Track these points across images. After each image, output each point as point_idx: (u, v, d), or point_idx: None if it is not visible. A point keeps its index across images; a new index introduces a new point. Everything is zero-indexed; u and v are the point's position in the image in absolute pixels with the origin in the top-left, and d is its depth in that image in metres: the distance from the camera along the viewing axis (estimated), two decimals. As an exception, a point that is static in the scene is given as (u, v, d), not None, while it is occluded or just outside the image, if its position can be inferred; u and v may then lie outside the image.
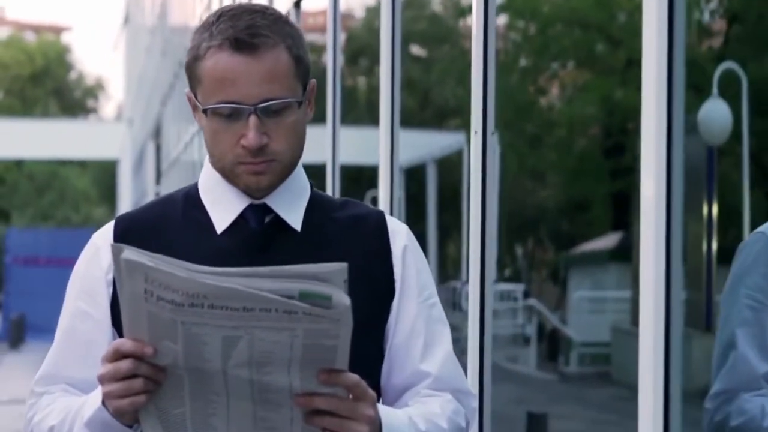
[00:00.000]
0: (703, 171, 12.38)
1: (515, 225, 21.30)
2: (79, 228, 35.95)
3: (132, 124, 35.71)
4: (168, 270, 1.72)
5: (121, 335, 1.90)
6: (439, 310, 2.12)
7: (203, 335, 1.75)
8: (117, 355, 1.82)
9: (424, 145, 20.52)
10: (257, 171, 2.01)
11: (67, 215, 46.28)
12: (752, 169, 13.20)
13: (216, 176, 2.08)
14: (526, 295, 18.11)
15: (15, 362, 21.15)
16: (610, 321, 15.74)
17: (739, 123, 12.43)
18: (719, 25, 15.92)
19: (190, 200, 2.10)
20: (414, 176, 20.08)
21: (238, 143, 1.99)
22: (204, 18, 2.06)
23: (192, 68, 2.02)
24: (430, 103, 23.91)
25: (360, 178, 16.40)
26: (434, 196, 20.24)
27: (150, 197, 24.00)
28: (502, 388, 12.40)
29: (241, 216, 2.06)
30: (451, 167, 19.91)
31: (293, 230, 2.07)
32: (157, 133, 25.63)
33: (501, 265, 19.90)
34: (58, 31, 67.83)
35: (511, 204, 19.96)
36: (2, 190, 46.35)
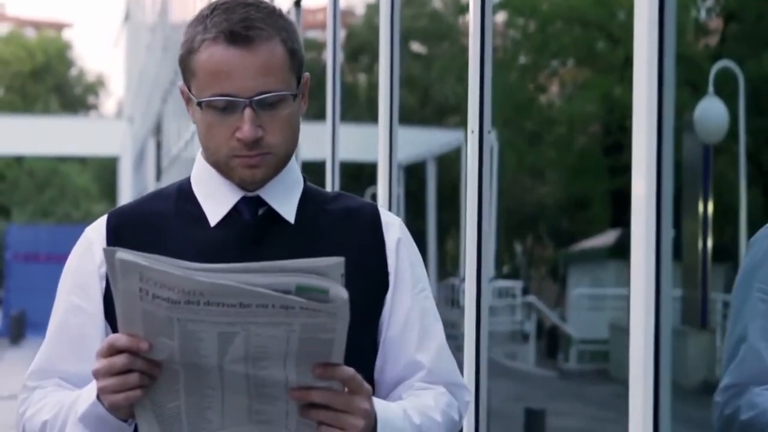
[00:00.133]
0: (700, 169, 12.40)
1: (514, 222, 21.31)
2: (80, 225, 35.75)
3: (132, 121, 35.67)
4: (163, 269, 1.71)
5: (114, 329, 1.90)
6: (431, 303, 2.12)
7: (199, 332, 1.74)
8: (112, 350, 1.80)
9: (424, 142, 20.51)
10: (252, 164, 2.00)
11: (68, 212, 46.19)
12: (748, 168, 13.20)
13: (209, 169, 2.07)
14: (525, 292, 18.11)
15: (15, 358, 21.14)
16: (609, 318, 15.70)
17: (735, 121, 12.44)
18: (716, 23, 15.95)
19: (182, 194, 2.09)
20: (413, 173, 20.06)
21: (233, 136, 1.98)
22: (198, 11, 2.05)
23: (186, 61, 2.01)
24: (430, 100, 23.94)
25: (360, 175, 16.44)
26: (433, 193, 20.22)
27: (150, 194, 23.91)
28: (501, 385, 12.41)
29: (235, 208, 2.05)
30: (450, 164, 19.89)
31: (287, 222, 2.06)
32: (157, 129, 25.60)
33: (500, 262, 19.91)
34: (58, 27, 67.79)
35: (511, 201, 19.97)
36: (3, 187, 46.29)
